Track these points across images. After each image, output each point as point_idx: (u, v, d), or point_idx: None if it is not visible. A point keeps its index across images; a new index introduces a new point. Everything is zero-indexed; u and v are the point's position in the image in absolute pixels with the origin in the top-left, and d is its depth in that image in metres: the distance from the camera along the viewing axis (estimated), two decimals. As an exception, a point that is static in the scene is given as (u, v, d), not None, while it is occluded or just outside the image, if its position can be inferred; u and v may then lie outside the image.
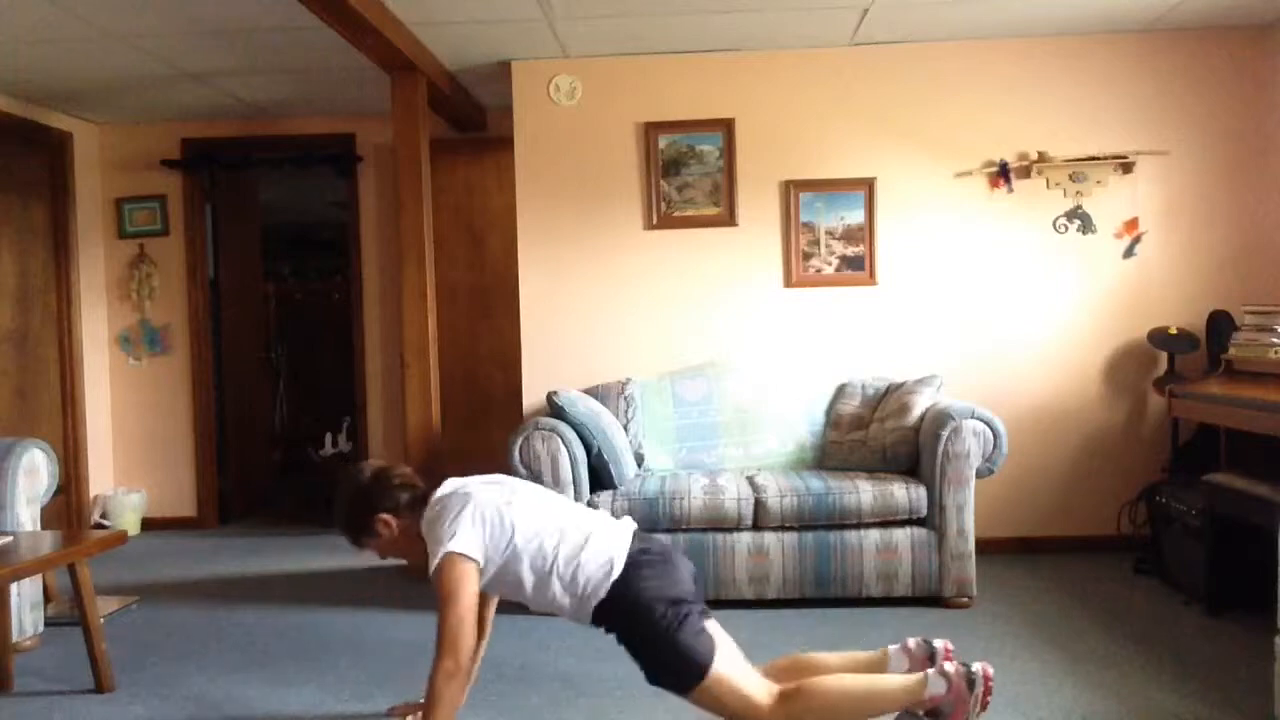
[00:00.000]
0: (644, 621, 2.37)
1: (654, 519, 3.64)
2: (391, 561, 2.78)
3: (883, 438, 3.90)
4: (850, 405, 4.18)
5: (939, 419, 3.69)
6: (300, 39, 4.10)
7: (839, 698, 2.33)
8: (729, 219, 4.49)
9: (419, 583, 4.22)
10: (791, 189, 4.48)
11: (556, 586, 2.42)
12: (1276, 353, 3.53)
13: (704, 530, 3.66)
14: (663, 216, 4.51)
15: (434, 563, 2.36)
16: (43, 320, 5.18)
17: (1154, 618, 3.46)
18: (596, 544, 2.45)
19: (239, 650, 3.39)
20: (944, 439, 3.63)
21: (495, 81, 4.77)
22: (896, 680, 2.39)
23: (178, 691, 3.01)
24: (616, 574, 2.40)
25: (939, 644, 2.56)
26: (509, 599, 2.59)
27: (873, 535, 3.64)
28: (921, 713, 2.35)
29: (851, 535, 3.64)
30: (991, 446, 3.66)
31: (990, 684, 2.33)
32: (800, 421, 4.21)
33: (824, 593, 3.65)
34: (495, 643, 3.36)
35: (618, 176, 4.52)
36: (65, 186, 5.31)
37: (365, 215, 5.63)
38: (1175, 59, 4.38)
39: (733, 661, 2.40)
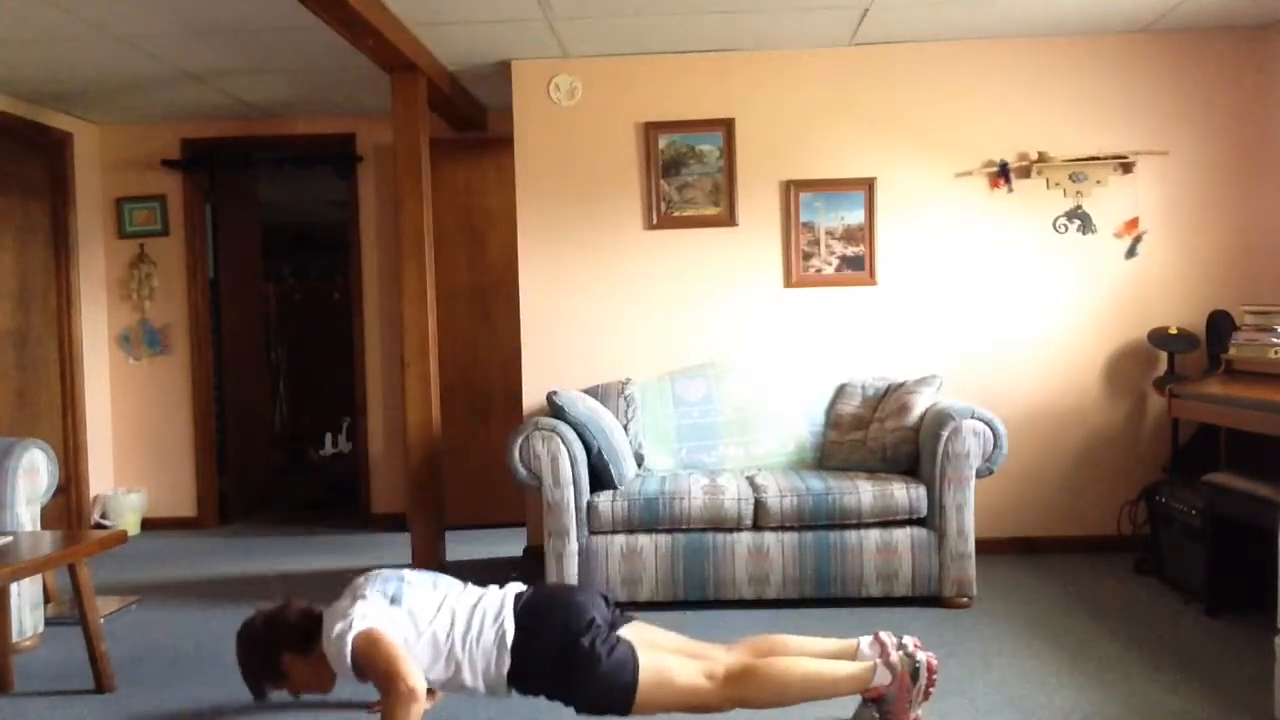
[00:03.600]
0: (556, 668, 2.38)
1: (654, 519, 3.64)
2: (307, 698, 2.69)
3: (883, 438, 3.90)
4: (850, 405, 4.18)
5: (939, 419, 3.69)
6: (300, 39, 4.10)
7: (785, 680, 2.38)
8: (729, 219, 4.49)
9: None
10: (791, 189, 4.48)
11: (465, 672, 2.41)
12: (1276, 353, 3.53)
13: (704, 530, 3.66)
14: (663, 216, 4.51)
15: (346, 654, 2.30)
16: (43, 320, 5.19)
17: (1154, 618, 3.46)
18: (482, 614, 2.45)
19: (239, 650, 3.38)
20: (944, 439, 3.63)
21: (495, 81, 4.77)
22: (844, 668, 2.43)
23: (178, 691, 3.01)
24: (510, 637, 2.40)
25: (909, 639, 2.61)
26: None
27: (873, 535, 3.64)
28: (865, 698, 2.44)
29: (851, 535, 3.64)
30: (991, 446, 3.66)
31: (934, 676, 2.42)
32: (800, 421, 4.21)
33: (824, 593, 3.65)
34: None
35: (618, 176, 4.52)
36: (65, 186, 5.31)
37: (365, 215, 5.63)
38: (1175, 59, 4.38)
39: (660, 659, 2.41)
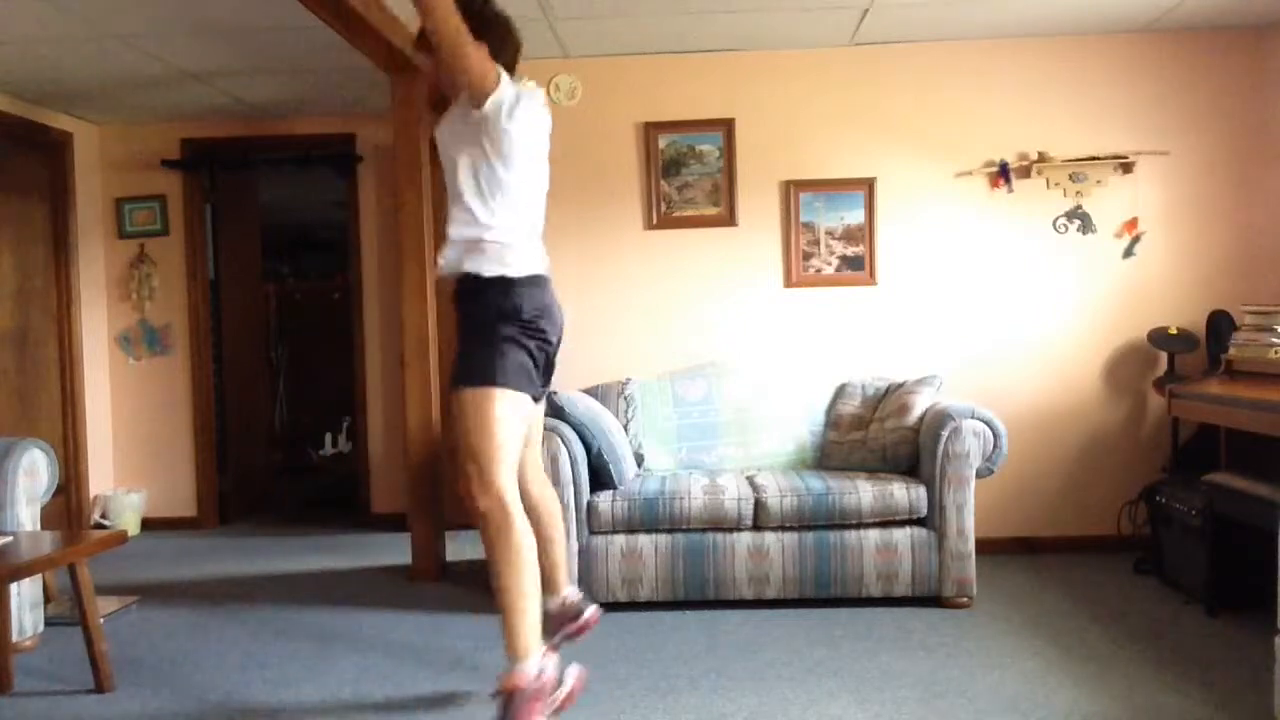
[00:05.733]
0: (484, 316, 2.48)
1: (654, 519, 3.64)
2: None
3: (883, 438, 3.90)
4: (850, 405, 4.18)
5: (939, 419, 3.69)
6: (300, 39, 4.10)
7: (517, 568, 2.40)
8: (729, 219, 4.49)
9: (418, 583, 4.22)
10: (791, 189, 4.48)
11: (483, 215, 2.51)
12: (1276, 353, 3.53)
13: (704, 530, 3.66)
14: (663, 216, 4.51)
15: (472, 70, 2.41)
16: (43, 320, 5.18)
17: (1154, 618, 3.46)
18: (528, 242, 2.59)
19: (239, 650, 3.39)
20: (944, 439, 3.63)
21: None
22: (534, 627, 2.41)
23: (178, 691, 3.01)
24: (509, 272, 2.51)
25: (588, 614, 2.86)
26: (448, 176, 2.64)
27: (873, 535, 3.64)
28: (499, 688, 2.43)
29: (851, 535, 3.64)
30: (991, 446, 3.66)
31: (574, 696, 2.58)
32: (800, 421, 4.21)
33: (824, 593, 3.65)
34: (485, 646, 3.36)
35: (618, 176, 4.52)
36: (65, 186, 5.31)
37: (365, 215, 5.62)
38: (1175, 59, 4.38)
39: (513, 427, 2.49)
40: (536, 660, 2.42)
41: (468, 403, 2.46)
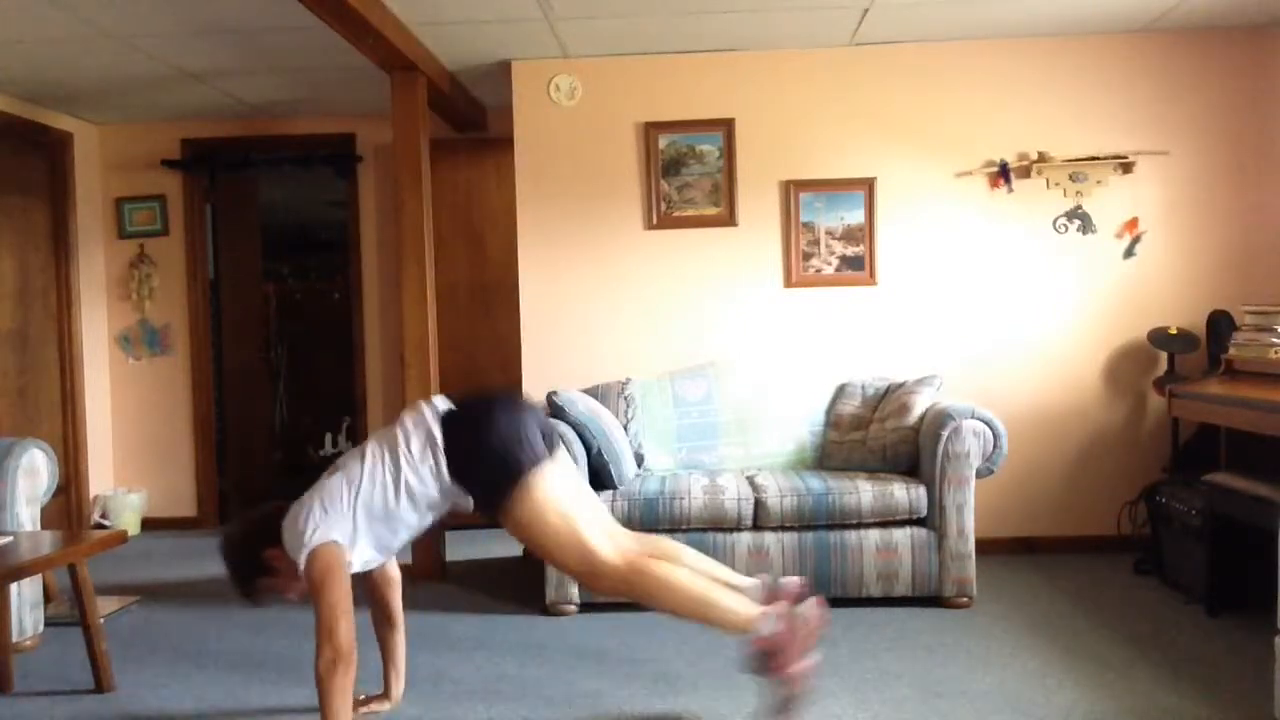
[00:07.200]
0: (481, 444, 2.38)
1: (654, 519, 3.64)
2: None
3: (883, 438, 3.90)
4: (850, 405, 4.18)
5: (939, 419, 3.69)
6: (300, 39, 4.10)
7: (676, 592, 2.34)
8: (729, 219, 4.49)
9: (416, 583, 4.22)
10: (791, 189, 4.48)
11: (419, 493, 2.41)
12: (1276, 353, 3.53)
13: (704, 530, 3.66)
14: (663, 216, 4.51)
15: (300, 566, 2.34)
16: (43, 320, 5.19)
17: (1154, 618, 3.46)
18: (415, 429, 2.45)
19: (239, 650, 3.39)
20: (944, 439, 3.63)
21: (495, 81, 4.77)
22: (734, 604, 2.38)
23: (178, 691, 3.01)
24: (439, 438, 2.41)
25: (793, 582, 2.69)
26: (404, 544, 2.56)
27: (873, 535, 3.64)
28: (754, 648, 2.43)
29: (851, 535, 3.64)
30: (991, 446, 3.66)
31: (814, 626, 2.45)
32: (800, 421, 4.21)
33: (824, 593, 3.61)
34: (497, 648, 3.36)
35: (618, 176, 4.52)
36: (65, 186, 5.31)
37: (365, 215, 5.63)
38: (1175, 59, 4.38)
39: (574, 502, 2.41)
40: (759, 622, 2.39)
41: (515, 510, 2.38)
